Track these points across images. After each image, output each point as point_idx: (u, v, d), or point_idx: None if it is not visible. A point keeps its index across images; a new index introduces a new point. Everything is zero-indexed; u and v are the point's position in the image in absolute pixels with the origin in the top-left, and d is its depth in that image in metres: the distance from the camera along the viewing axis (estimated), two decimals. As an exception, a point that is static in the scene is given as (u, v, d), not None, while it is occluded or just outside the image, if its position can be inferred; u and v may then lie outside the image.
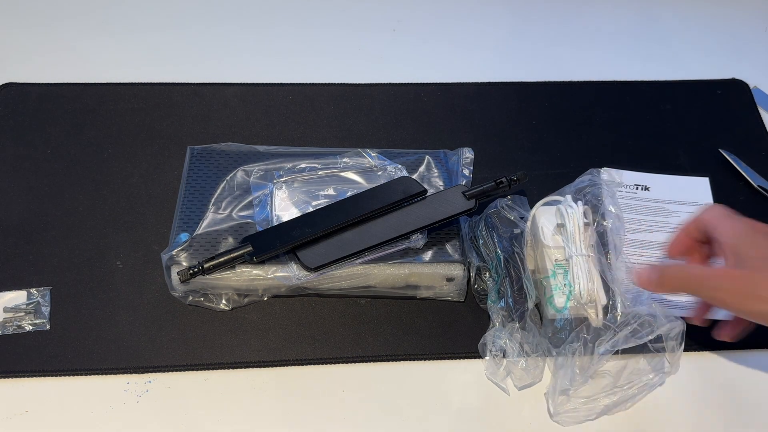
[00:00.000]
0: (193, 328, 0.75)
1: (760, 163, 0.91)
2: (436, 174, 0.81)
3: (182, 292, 0.75)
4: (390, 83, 0.99)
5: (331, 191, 0.79)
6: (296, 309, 0.77)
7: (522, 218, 0.78)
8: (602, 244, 0.75)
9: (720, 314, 0.76)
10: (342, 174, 0.81)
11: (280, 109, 0.95)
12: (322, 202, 0.77)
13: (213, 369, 0.73)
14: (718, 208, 0.64)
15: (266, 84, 0.98)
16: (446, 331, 0.76)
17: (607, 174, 0.79)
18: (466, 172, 0.81)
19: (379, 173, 0.81)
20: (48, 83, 0.96)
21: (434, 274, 0.74)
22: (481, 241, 0.78)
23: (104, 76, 0.97)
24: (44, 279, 0.78)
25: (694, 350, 0.75)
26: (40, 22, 1.05)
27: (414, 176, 0.80)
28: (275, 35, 1.06)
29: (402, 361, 0.75)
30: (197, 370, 0.73)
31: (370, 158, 0.82)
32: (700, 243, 0.65)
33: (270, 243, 0.72)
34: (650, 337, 0.67)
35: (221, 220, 0.76)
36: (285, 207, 0.77)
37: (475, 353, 0.74)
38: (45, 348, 0.73)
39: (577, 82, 1.01)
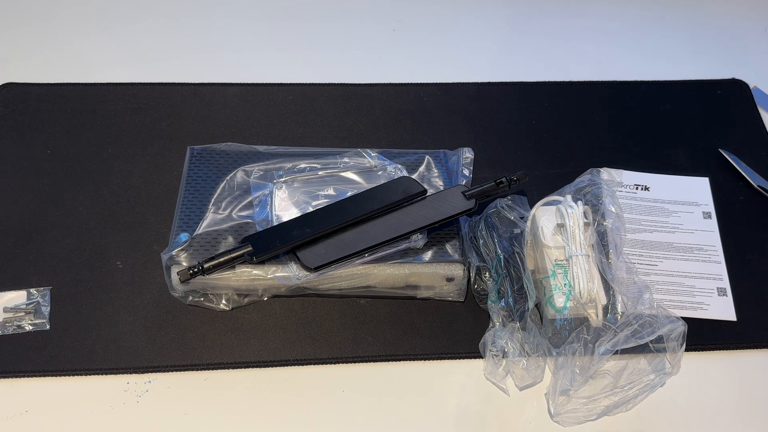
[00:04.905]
0: (193, 328, 0.75)
1: (760, 163, 0.91)
2: (436, 174, 0.81)
3: (182, 292, 0.75)
4: (390, 83, 0.99)
5: (331, 191, 0.79)
6: (296, 309, 0.77)
7: (522, 218, 0.78)
8: (602, 244, 0.75)
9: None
10: (342, 174, 0.81)
11: (280, 109, 0.95)
12: (322, 202, 0.77)
13: (213, 369, 0.73)
14: None
15: (266, 84, 0.98)
16: (446, 331, 0.76)
17: (607, 174, 0.79)
18: (466, 172, 0.80)
19: (379, 173, 0.81)
20: (48, 83, 0.96)
21: (434, 274, 0.74)
22: (481, 241, 0.78)
23: (104, 76, 0.97)
24: (44, 279, 0.78)
25: (695, 350, 0.75)
26: (40, 22, 1.05)
27: (414, 176, 0.80)
28: (275, 35, 1.06)
29: (402, 361, 0.75)
30: (197, 370, 0.73)
31: (370, 158, 0.82)
32: None
33: (270, 243, 0.71)
34: (651, 338, 0.67)
35: (221, 220, 0.76)
36: (285, 207, 0.77)
37: (475, 353, 0.74)
38: (45, 348, 0.73)
39: (577, 82, 1.01)
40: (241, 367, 0.73)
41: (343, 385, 0.73)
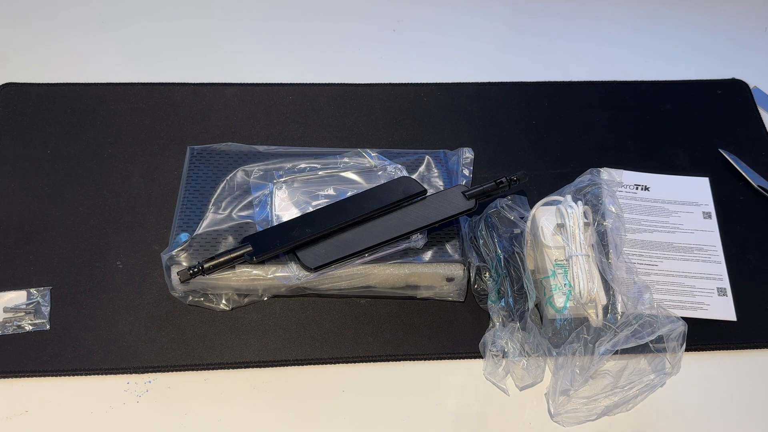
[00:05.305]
0: (193, 328, 0.75)
1: (760, 163, 0.91)
2: (436, 174, 0.81)
3: (182, 292, 0.75)
4: (390, 83, 0.99)
5: (331, 191, 0.79)
6: (296, 309, 0.77)
7: (522, 218, 0.78)
8: (602, 244, 0.75)
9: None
10: (342, 174, 0.81)
11: (280, 109, 0.95)
12: (322, 202, 0.77)
13: (213, 369, 0.73)
14: None
15: (266, 84, 0.98)
16: (446, 331, 0.76)
17: (607, 174, 0.79)
18: (466, 172, 0.80)
19: (379, 173, 0.81)
20: (48, 83, 0.96)
21: (434, 274, 0.74)
22: (481, 241, 0.78)
23: (104, 76, 0.97)
24: (44, 279, 0.78)
25: (695, 350, 0.75)
26: (40, 22, 1.05)
27: (414, 176, 0.80)
28: (275, 35, 1.06)
29: (402, 361, 0.75)
30: (197, 370, 0.73)
31: (370, 158, 0.82)
32: None
33: (270, 243, 0.71)
34: (651, 338, 0.67)
35: (221, 220, 0.76)
36: (285, 207, 0.77)
37: (475, 353, 0.74)
38: (45, 348, 0.73)
39: (577, 82, 1.01)
40: (241, 367, 0.73)
41: (343, 385, 0.73)
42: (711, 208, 0.86)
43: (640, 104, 0.98)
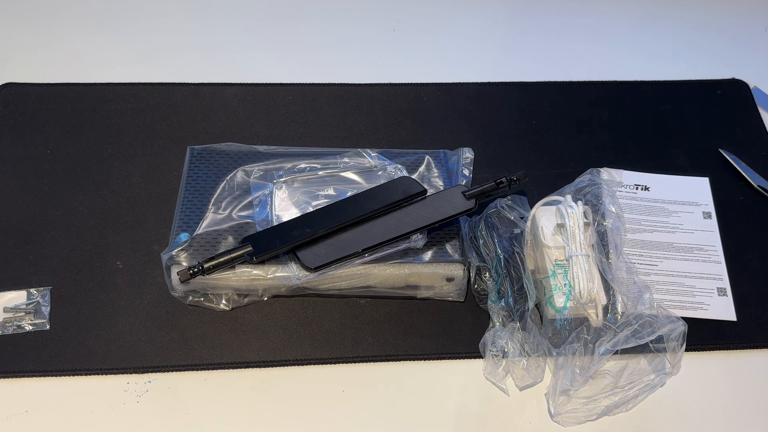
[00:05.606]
0: (193, 328, 0.75)
1: (760, 163, 0.91)
2: (436, 174, 0.81)
3: (182, 292, 0.75)
4: (390, 83, 0.99)
5: (331, 191, 0.79)
6: (296, 309, 0.77)
7: (522, 218, 0.78)
8: (602, 244, 0.75)
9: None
10: (342, 174, 0.81)
11: (280, 109, 0.95)
12: (322, 202, 0.77)
13: (213, 369, 0.73)
14: None
15: (266, 84, 0.98)
16: (446, 331, 0.76)
17: (607, 174, 0.79)
18: (466, 172, 0.80)
19: (379, 173, 0.81)
20: (48, 83, 0.96)
21: (434, 274, 0.74)
22: (481, 241, 0.78)
23: (104, 76, 0.97)
24: (44, 279, 0.78)
25: (695, 350, 0.75)
26: (40, 22, 1.05)
27: (414, 176, 0.80)
28: (275, 35, 1.06)
29: (402, 361, 0.75)
30: (197, 370, 0.73)
31: (370, 158, 0.82)
32: None
33: (270, 243, 0.71)
34: (651, 338, 0.67)
35: (221, 220, 0.76)
36: (285, 207, 0.77)
37: (475, 353, 0.74)
38: (45, 348, 0.73)
39: (577, 82, 1.01)
40: (241, 367, 0.73)
41: (343, 385, 0.73)
42: (711, 208, 0.86)
43: (640, 104, 0.98)
